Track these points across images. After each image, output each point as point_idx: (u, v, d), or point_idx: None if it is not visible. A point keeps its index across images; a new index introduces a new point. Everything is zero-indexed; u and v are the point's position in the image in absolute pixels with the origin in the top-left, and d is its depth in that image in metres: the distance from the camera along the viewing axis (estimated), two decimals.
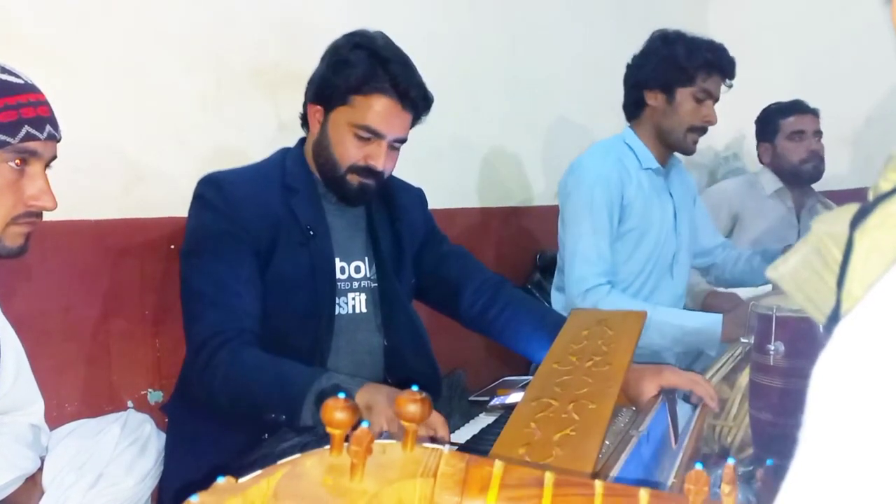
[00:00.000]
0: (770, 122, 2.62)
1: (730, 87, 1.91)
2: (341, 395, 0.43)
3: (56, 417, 1.37)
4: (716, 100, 1.89)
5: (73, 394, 1.44)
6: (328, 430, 0.42)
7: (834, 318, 0.34)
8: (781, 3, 3.26)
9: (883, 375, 0.28)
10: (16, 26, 1.40)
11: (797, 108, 2.56)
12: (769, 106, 2.67)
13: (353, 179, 1.37)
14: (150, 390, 1.54)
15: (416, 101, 1.36)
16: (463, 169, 2.44)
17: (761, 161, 2.73)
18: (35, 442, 1.21)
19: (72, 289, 1.45)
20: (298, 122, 1.47)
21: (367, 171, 1.36)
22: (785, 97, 2.65)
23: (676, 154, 1.99)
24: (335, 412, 0.42)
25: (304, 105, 1.43)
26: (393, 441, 0.45)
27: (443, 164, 2.34)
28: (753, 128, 2.79)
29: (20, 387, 1.21)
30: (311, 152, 1.42)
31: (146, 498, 1.32)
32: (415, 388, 0.45)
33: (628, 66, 1.96)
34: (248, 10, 1.80)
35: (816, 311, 0.41)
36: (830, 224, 0.39)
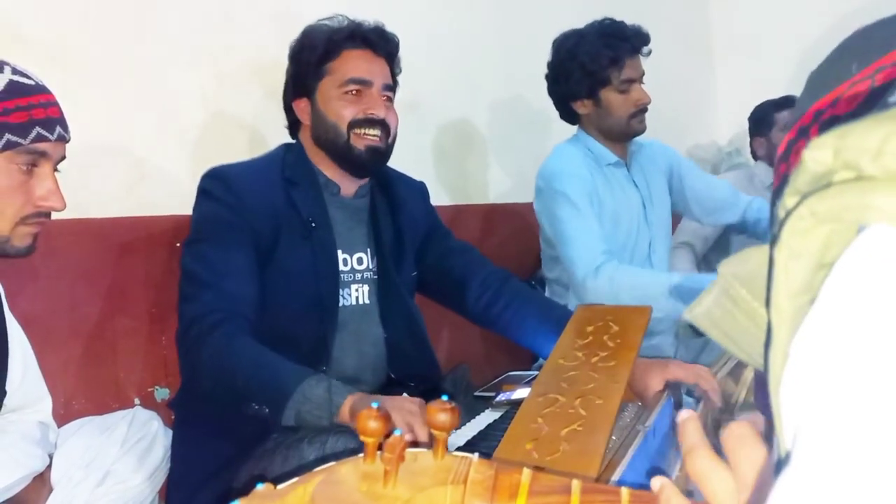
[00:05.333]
0: (764, 116, 2.69)
1: (648, 53, 1.91)
2: (374, 405, 0.44)
3: (63, 415, 1.37)
4: (641, 75, 1.89)
5: (79, 391, 1.45)
6: (362, 438, 0.44)
7: (768, 339, 0.36)
8: None
9: (853, 375, 0.30)
10: (18, 27, 1.41)
11: (791, 102, 2.60)
12: (762, 103, 2.74)
13: (359, 142, 1.38)
14: (156, 387, 1.55)
15: (378, 42, 1.41)
16: (465, 167, 2.44)
17: (755, 156, 2.77)
18: (43, 439, 1.21)
19: (77, 287, 1.45)
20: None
21: (369, 122, 1.38)
22: (787, 92, 2.67)
23: (636, 140, 1.98)
24: (369, 421, 0.43)
25: (288, 114, 1.46)
26: (424, 450, 0.46)
27: (445, 161, 2.35)
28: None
29: (28, 385, 1.21)
30: (309, 143, 1.44)
31: (154, 495, 1.32)
32: (444, 397, 0.46)
33: (547, 78, 1.97)
34: (250, 9, 1.80)
35: (734, 346, 0.44)
36: (735, 266, 0.42)
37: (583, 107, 1.91)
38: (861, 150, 0.32)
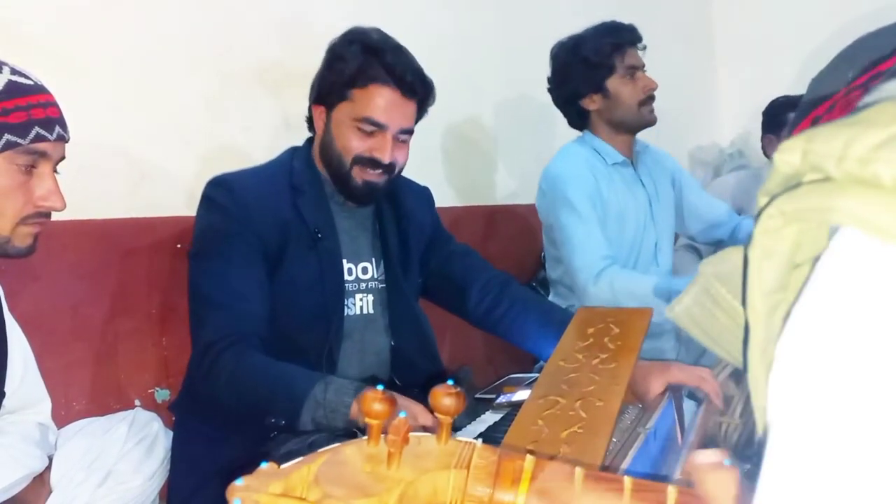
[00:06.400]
0: (778, 114, 2.62)
1: (644, 48, 1.93)
2: (380, 387, 0.44)
3: (64, 416, 1.37)
4: (643, 66, 1.91)
5: (80, 392, 1.45)
6: (367, 420, 0.44)
7: (746, 336, 0.37)
8: None
9: (835, 376, 0.30)
10: (21, 27, 1.41)
11: None
12: (778, 98, 2.67)
13: (359, 176, 1.36)
14: (157, 389, 1.55)
15: (414, 86, 1.35)
16: (468, 168, 2.44)
17: (765, 154, 2.73)
18: (43, 440, 1.21)
19: (78, 288, 1.45)
20: (303, 119, 1.46)
21: (373, 163, 1.35)
22: (789, 93, 2.65)
23: (643, 140, 1.99)
24: (374, 403, 0.43)
25: (309, 107, 1.44)
26: (428, 434, 0.46)
27: (448, 163, 2.35)
28: (758, 125, 2.79)
29: (27, 386, 1.21)
30: (317, 152, 1.42)
31: (154, 496, 1.32)
32: (450, 382, 0.46)
33: (550, 90, 1.98)
34: (251, 10, 1.80)
35: (713, 344, 0.45)
36: (716, 265, 0.43)
37: (592, 102, 1.91)
38: (826, 154, 0.33)
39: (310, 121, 1.45)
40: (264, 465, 0.43)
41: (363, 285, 1.43)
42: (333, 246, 1.38)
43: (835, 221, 0.32)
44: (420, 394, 1.40)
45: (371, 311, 1.43)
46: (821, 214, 0.33)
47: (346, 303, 1.39)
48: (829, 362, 0.31)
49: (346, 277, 1.40)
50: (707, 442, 1.23)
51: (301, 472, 0.43)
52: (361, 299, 1.42)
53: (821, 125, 0.34)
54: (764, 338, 0.35)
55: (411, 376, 1.43)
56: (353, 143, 1.34)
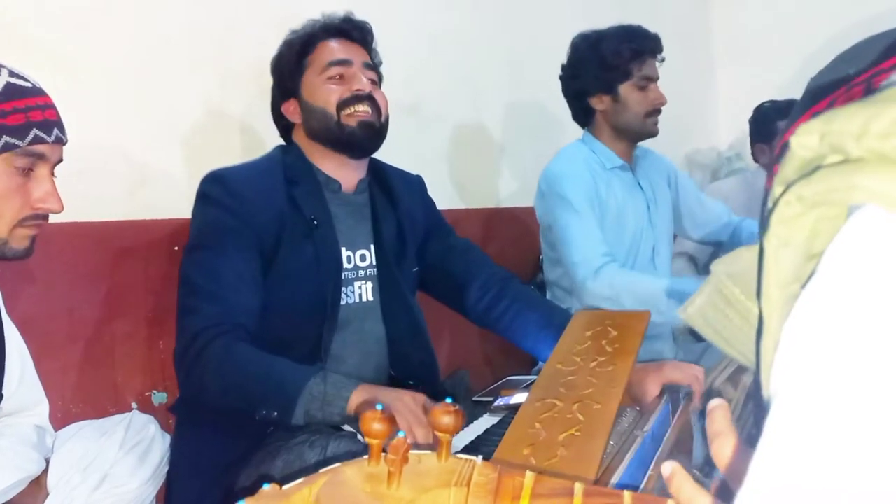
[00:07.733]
0: (766, 122, 2.59)
1: (662, 60, 1.93)
2: (379, 407, 0.44)
3: (60, 419, 1.37)
4: (657, 78, 1.92)
5: (77, 395, 1.44)
6: (366, 440, 0.44)
7: (759, 330, 0.37)
8: (784, 1, 3.26)
9: (844, 361, 0.30)
10: (20, 29, 1.41)
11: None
12: (763, 104, 2.65)
13: (349, 120, 1.38)
14: (154, 392, 1.54)
15: (352, 30, 1.45)
16: (466, 170, 2.44)
17: (756, 160, 2.72)
18: (40, 443, 1.21)
19: (76, 290, 1.45)
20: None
21: (356, 99, 1.39)
22: (788, 96, 2.64)
23: (642, 145, 2.00)
24: (373, 423, 0.43)
25: (279, 121, 1.48)
26: (428, 451, 0.46)
27: (446, 165, 2.35)
28: None
29: (25, 388, 1.21)
30: (305, 141, 1.44)
31: (151, 499, 1.32)
32: (449, 400, 0.46)
33: (562, 79, 1.99)
34: (250, 11, 1.80)
35: (726, 345, 0.45)
36: (728, 265, 0.43)
37: (600, 102, 1.92)
38: (846, 133, 0.32)
39: (284, 131, 1.49)
40: (266, 487, 0.43)
41: (362, 272, 1.43)
42: (330, 234, 1.39)
43: (856, 200, 0.31)
44: (415, 388, 1.40)
45: (370, 298, 1.43)
46: (841, 194, 0.32)
47: (345, 290, 1.39)
48: (848, 335, 0.30)
49: (345, 265, 1.40)
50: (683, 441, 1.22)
51: (302, 493, 0.43)
52: (360, 287, 1.42)
53: (837, 108, 0.33)
54: (778, 330, 0.34)
55: (406, 367, 1.43)
56: (330, 95, 1.39)
